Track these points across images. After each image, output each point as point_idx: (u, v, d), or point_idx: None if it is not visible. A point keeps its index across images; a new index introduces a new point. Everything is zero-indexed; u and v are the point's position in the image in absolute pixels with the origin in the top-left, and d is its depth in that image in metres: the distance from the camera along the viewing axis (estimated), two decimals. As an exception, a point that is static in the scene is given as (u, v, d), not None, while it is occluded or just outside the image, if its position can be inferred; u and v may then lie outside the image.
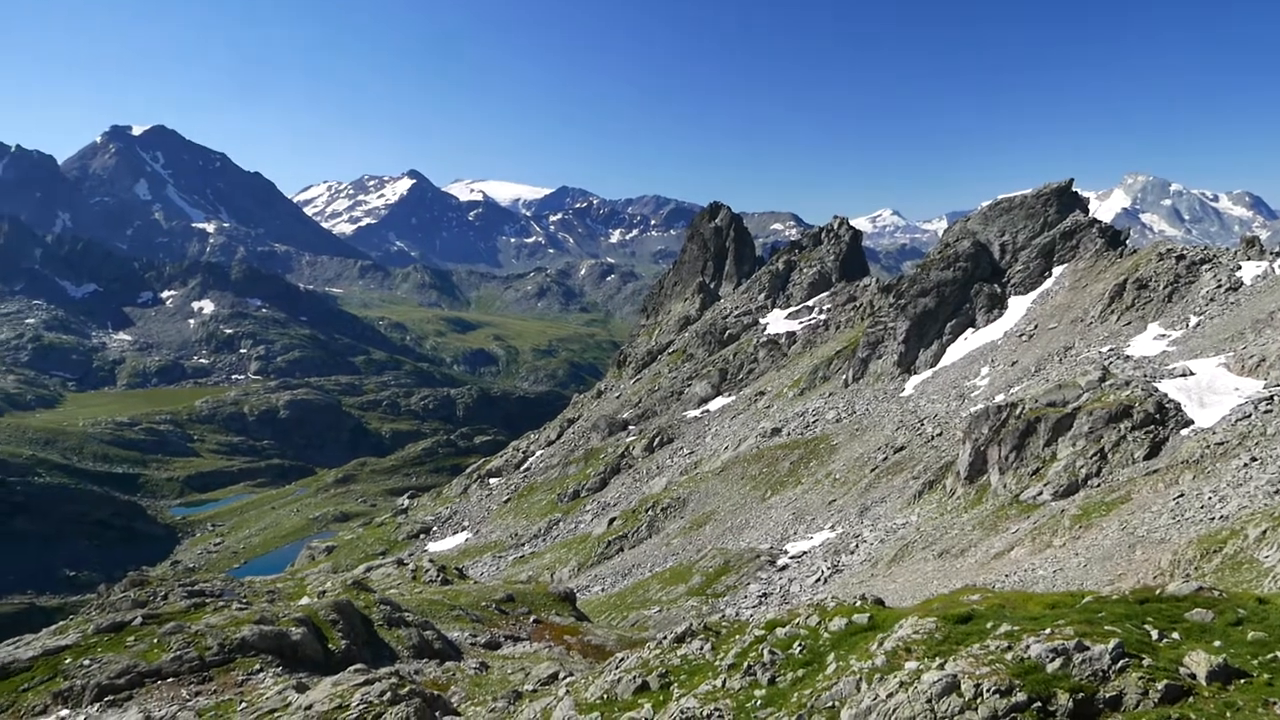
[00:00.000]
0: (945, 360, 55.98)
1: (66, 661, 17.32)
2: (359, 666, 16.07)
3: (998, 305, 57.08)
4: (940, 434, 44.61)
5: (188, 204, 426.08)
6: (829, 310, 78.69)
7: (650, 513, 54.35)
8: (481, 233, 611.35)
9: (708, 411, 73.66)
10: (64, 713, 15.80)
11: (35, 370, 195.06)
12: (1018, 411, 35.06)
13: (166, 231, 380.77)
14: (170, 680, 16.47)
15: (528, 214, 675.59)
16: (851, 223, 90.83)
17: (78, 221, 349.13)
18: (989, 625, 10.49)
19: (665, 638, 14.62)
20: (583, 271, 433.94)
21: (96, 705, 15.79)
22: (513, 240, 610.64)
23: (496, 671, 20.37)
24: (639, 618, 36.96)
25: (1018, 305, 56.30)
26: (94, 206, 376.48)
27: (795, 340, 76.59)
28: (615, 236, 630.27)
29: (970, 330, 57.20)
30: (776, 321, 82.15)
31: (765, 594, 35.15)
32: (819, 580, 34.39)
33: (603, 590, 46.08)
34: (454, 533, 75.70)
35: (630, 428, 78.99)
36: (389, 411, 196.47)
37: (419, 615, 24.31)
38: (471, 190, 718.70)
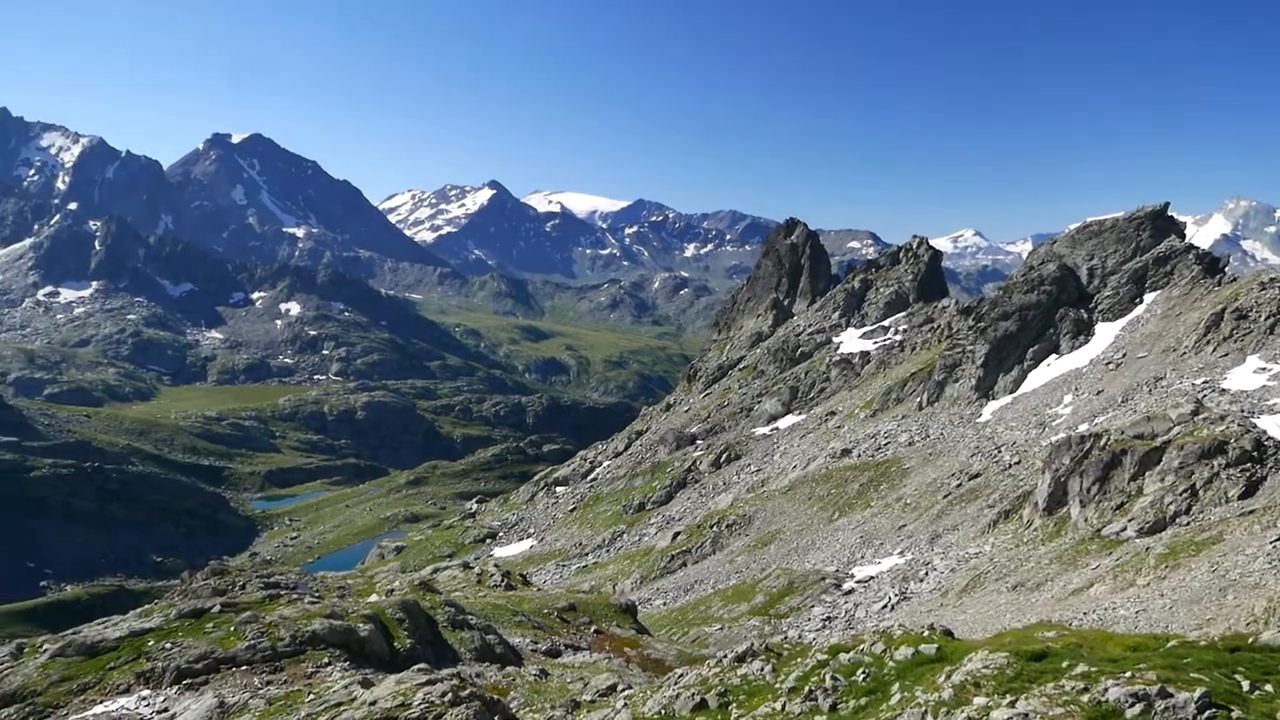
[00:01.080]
0: (1026, 386, 54.22)
1: (150, 644, 18.10)
2: (422, 666, 16.35)
3: (1084, 331, 55.04)
4: (1018, 462, 43.19)
5: (280, 209, 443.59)
6: (905, 331, 77.11)
7: (715, 529, 53.97)
8: (558, 243, 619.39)
9: (777, 429, 72.89)
10: (145, 693, 16.50)
11: (134, 364, 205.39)
12: (1102, 442, 33.69)
13: (259, 235, 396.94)
14: (244, 668, 17.04)
15: (604, 226, 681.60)
16: (931, 242, 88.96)
17: (178, 224, 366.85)
18: (1064, 664, 10.07)
19: (726, 656, 14.48)
20: (656, 284, 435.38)
21: (175, 687, 16.45)
22: (588, 252, 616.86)
23: (556, 679, 20.47)
24: (699, 634, 36.68)
25: (1105, 332, 54.19)
26: (194, 210, 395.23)
27: (869, 360, 75.27)
28: (690, 250, 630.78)
29: (1054, 356, 55.30)
30: (850, 341, 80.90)
31: (829, 618, 34.49)
32: (885, 607, 33.59)
33: (664, 604, 45.91)
34: (519, 539, 76.52)
35: (698, 442, 78.74)
36: (461, 416, 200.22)
37: (482, 619, 24.63)
38: (549, 201, 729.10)
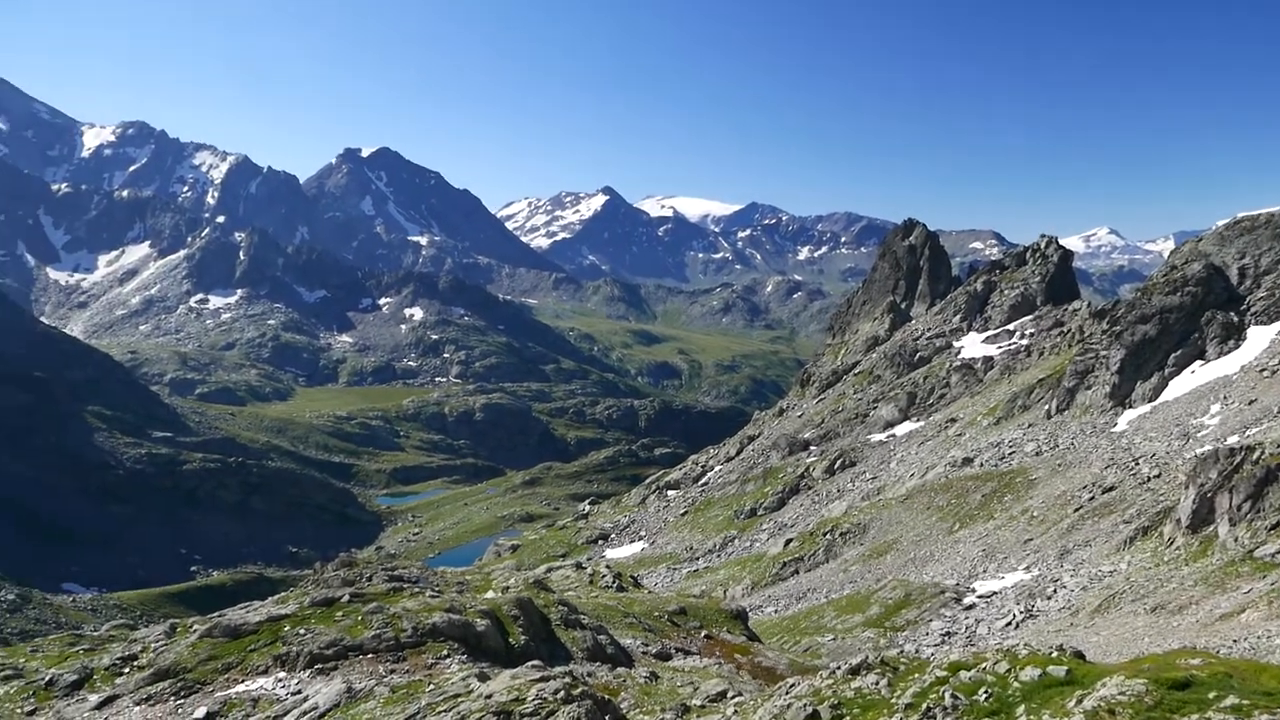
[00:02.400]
0: (1167, 394, 50.71)
1: (285, 629, 19.23)
2: (536, 663, 16.71)
3: (1234, 335, 51.02)
4: (1158, 475, 40.43)
5: (405, 219, 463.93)
6: (1032, 335, 73.52)
7: (828, 537, 52.89)
8: (670, 248, 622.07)
9: (893, 436, 70.82)
10: (281, 675, 17.55)
11: (273, 366, 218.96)
12: (1255, 456, 31.13)
13: (386, 244, 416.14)
14: (370, 656, 17.87)
15: (716, 230, 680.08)
16: (1062, 242, 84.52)
17: (313, 234, 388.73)
18: (1211, 695, 9.35)
19: (839, 668, 14.17)
20: (769, 288, 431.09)
21: (308, 671, 17.41)
22: (700, 256, 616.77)
23: (666, 683, 20.53)
24: (812, 644, 36.01)
25: (1259, 337, 50.07)
26: (327, 221, 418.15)
27: (992, 366, 72.15)
28: (803, 253, 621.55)
29: (1199, 362, 51.50)
30: (972, 345, 77.77)
31: (949, 633, 33.22)
32: (1010, 624, 32.07)
33: (775, 612, 45.32)
34: (631, 541, 77.12)
35: (811, 448, 77.39)
36: (575, 419, 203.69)
37: (594, 619, 24.97)
38: (662, 206, 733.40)
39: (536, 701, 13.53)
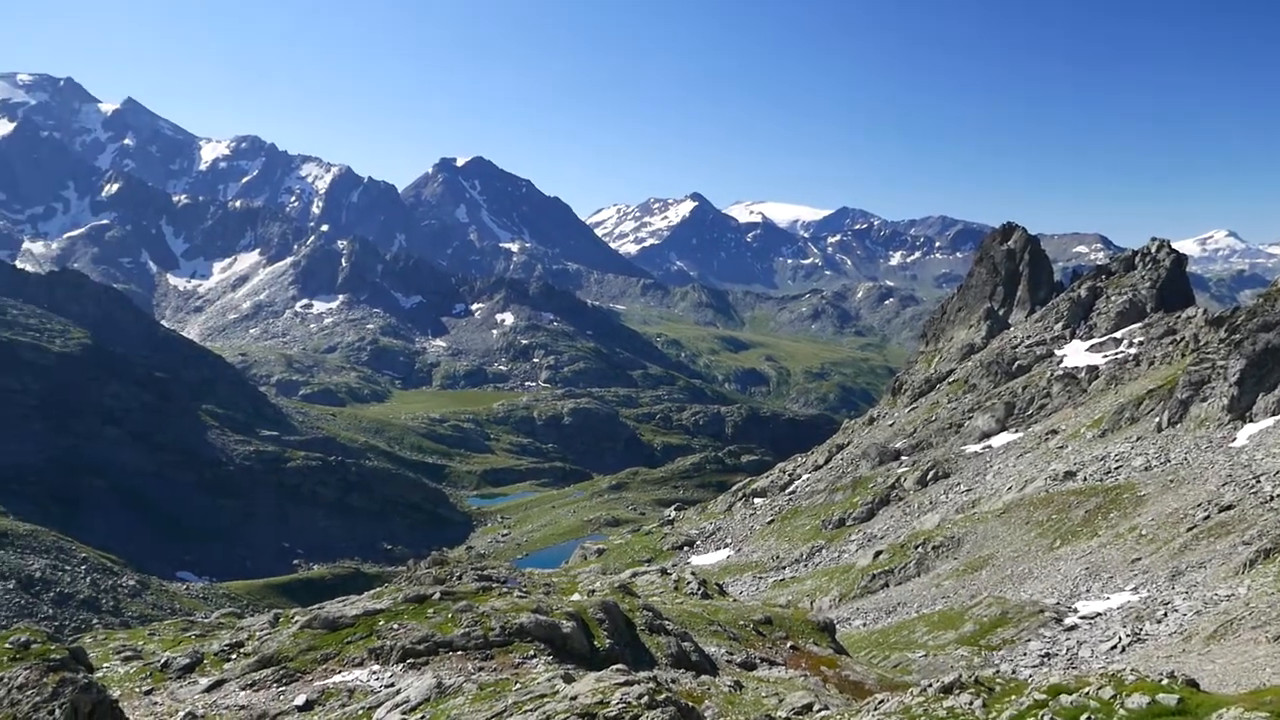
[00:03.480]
0: (1294, 408, 47.42)
1: (380, 623, 19.89)
2: (620, 667, 16.78)
3: (1371, 346, 47.36)
4: (1283, 495, 37.82)
5: (497, 226, 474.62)
6: (1141, 344, 69.89)
7: (920, 550, 51.44)
8: (758, 254, 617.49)
9: (989, 447, 68.39)
10: (375, 667, 18.15)
11: (372, 369, 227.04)
12: (1395, 476, 28.80)
13: (479, 251, 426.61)
14: (459, 653, 18.30)
15: (805, 235, 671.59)
16: (1175, 245, 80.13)
17: (410, 241, 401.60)
18: (1340, 731, 8.68)
19: (931, 685, 13.76)
20: (859, 294, 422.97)
21: (400, 665, 17.96)
22: (789, 261, 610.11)
23: (750, 693, 20.33)
24: (901, 659, 35.06)
25: (1400, 347, 46.35)
26: (423, 228, 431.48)
27: (1097, 375, 68.90)
28: (895, 259, 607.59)
29: (1330, 374, 47.99)
30: (1075, 354, 74.45)
31: (1048, 654, 31.83)
32: (1115, 647, 30.51)
33: (864, 625, 44.31)
34: (716, 548, 76.72)
35: (902, 458, 75.43)
36: (661, 425, 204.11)
37: (678, 625, 24.94)
38: (750, 212, 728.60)
39: (620, 705, 13.59)
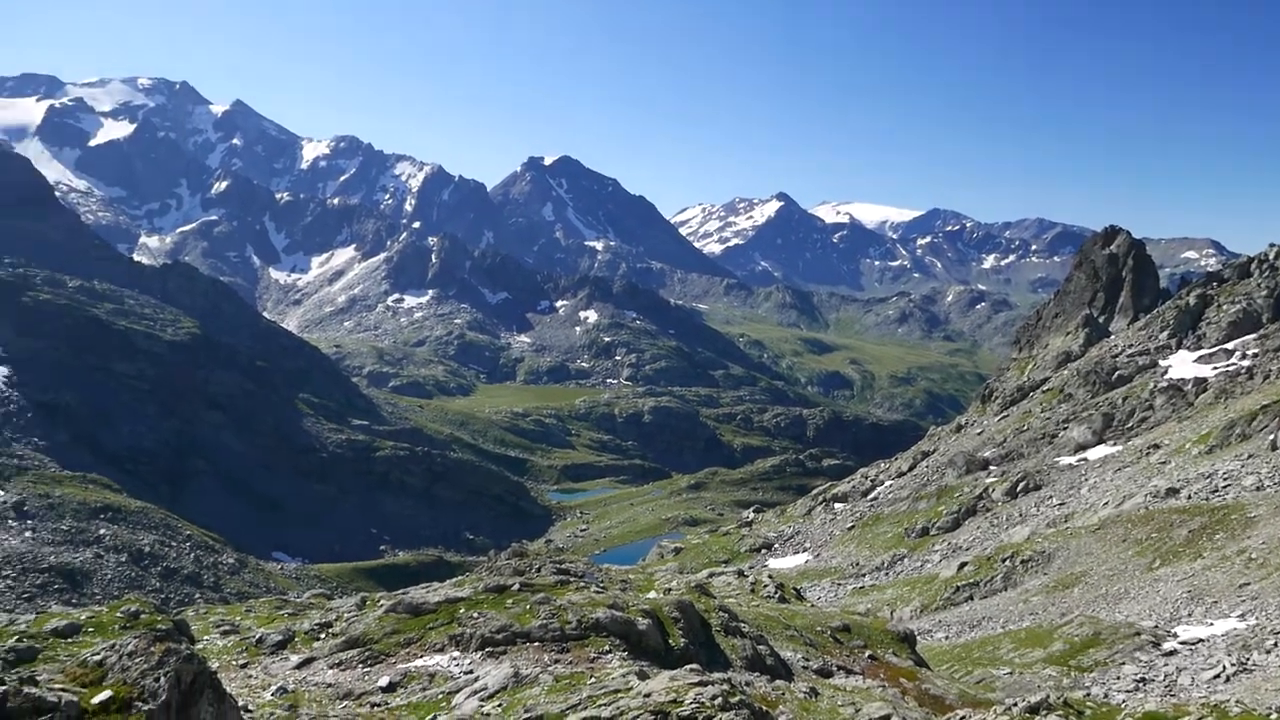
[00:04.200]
0: None
1: (461, 611, 20.38)
2: (694, 666, 16.78)
3: None
4: None
5: (582, 224, 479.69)
6: (1255, 356, 65.87)
7: (1008, 563, 49.72)
8: (845, 255, 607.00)
9: (1085, 460, 65.59)
10: (455, 654, 18.62)
11: (458, 363, 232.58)
12: None
13: (564, 249, 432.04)
14: (536, 644, 18.60)
15: (894, 237, 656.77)
16: (1296, 252, 75.22)
17: (498, 239, 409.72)
18: None
19: (1016, 704, 13.32)
20: (949, 298, 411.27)
21: (479, 653, 18.37)
22: (876, 263, 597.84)
23: (826, 700, 20.05)
24: (985, 675, 33.97)
25: None
26: (510, 226, 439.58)
27: (1205, 388, 65.26)
28: (988, 262, 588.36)
29: None
30: (1182, 365, 70.70)
31: (1143, 679, 30.34)
32: (1218, 676, 28.87)
33: (945, 638, 43.10)
34: (794, 552, 75.82)
35: (991, 468, 73.06)
36: (742, 426, 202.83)
37: (754, 628, 24.77)
38: (837, 212, 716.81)
39: (694, 705, 13.60)
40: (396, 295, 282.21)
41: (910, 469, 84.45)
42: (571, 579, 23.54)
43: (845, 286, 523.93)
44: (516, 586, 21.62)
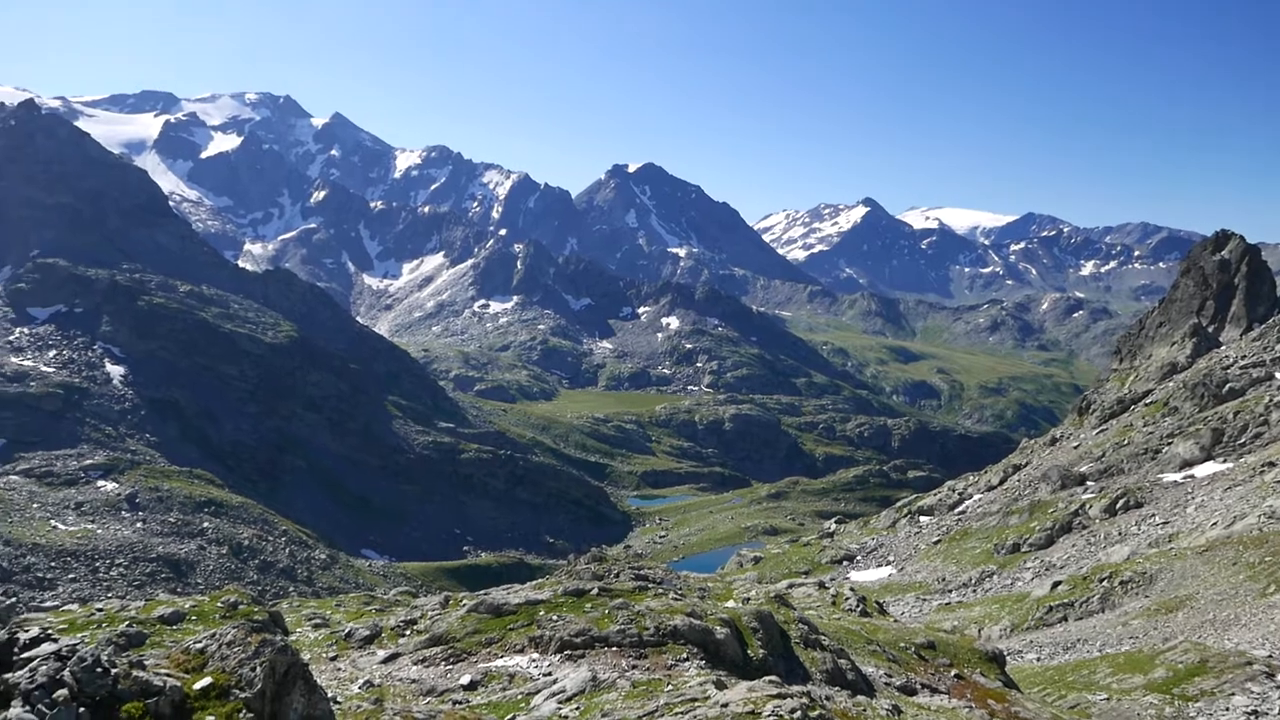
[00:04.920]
0: None
1: (540, 613, 20.65)
2: (773, 678, 16.58)
3: None
4: None
5: (665, 231, 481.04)
6: (1387, 369, 61.33)
7: (1105, 584, 47.51)
8: (933, 261, 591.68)
9: (1191, 477, 62.16)
10: (534, 655, 18.87)
11: (541, 368, 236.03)
12: None
13: (647, 255, 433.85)
14: (614, 649, 18.69)
15: (986, 242, 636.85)
16: None
17: (582, 245, 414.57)
18: None
19: (1110, 731, 12.69)
20: (1044, 306, 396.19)
21: (558, 656, 18.57)
22: (966, 270, 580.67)
23: (909, 718, 19.54)
24: (1080, 700, 32.52)
25: None
26: (594, 233, 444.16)
27: (1329, 404, 61.10)
28: (1087, 268, 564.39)
29: None
30: (1302, 378, 66.34)
31: (1256, 712, 28.53)
32: (1341, 712, 26.92)
33: (1038, 659, 41.44)
34: (877, 565, 74.17)
35: (1088, 483, 69.98)
36: (824, 435, 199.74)
37: (835, 641, 24.32)
38: (926, 218, 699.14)
39: (772, 717, 13.43)
40: (483, 301, 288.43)
41: (1001, 483, 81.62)
42: (650, 585, 23.58)
43: (933, 294, 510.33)
44: (595, 591, 21.78)
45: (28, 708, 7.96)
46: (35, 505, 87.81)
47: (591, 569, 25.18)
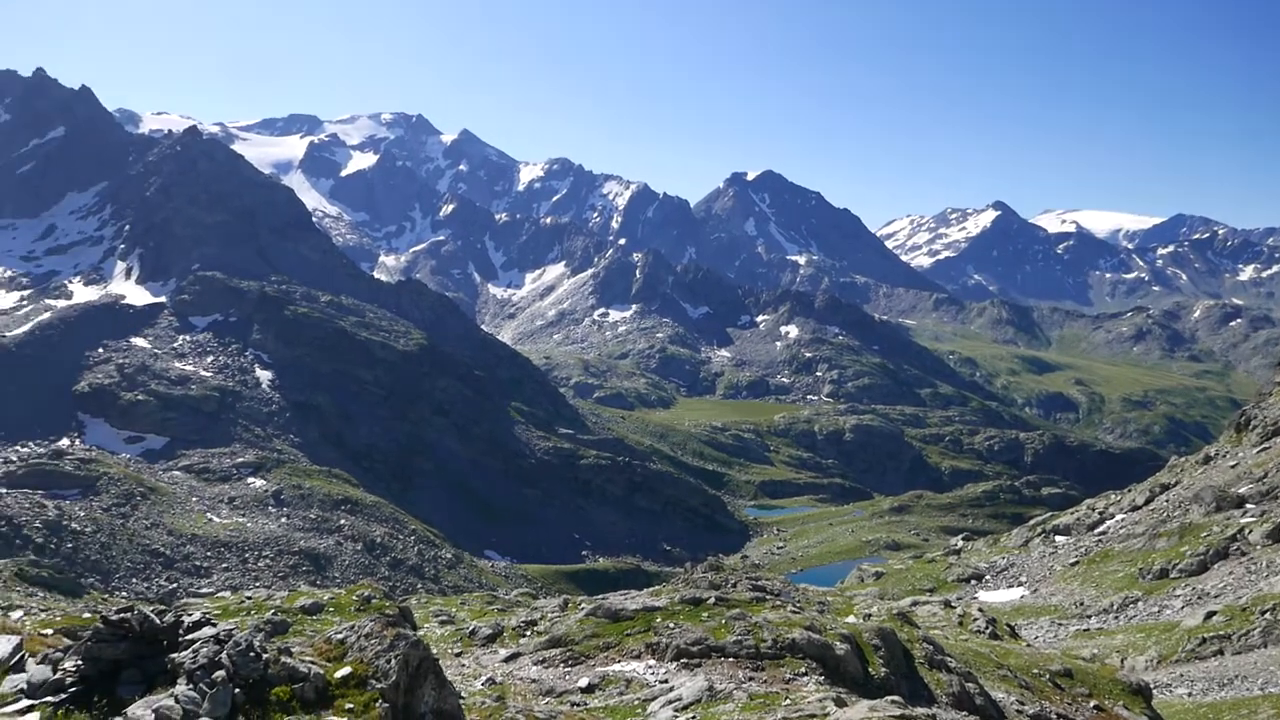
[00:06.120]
0: None
1: (657, 620, 20.79)
2: (896, 699, 16.11)
3: None
4: None
5: (784, 239, 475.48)
6: None
7: (1268, 616, 43.61)
8: (1070, 267, 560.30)
9: (1373, 503, 56.38)
10: (651, 662, 19.00)
11: (659, 376, 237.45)
12: None
13: (765, 263, 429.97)
14: (730, 659, 18.60)
15: (1129, 246, 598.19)
16: None
17: (700, 254, 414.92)
18: None
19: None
20: (1196, 313, 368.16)
21: (675, 664, 18.64)
22: (1108, 276, 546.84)
23: (1042, 749, 18.55)
24: (1239, 742, 30.01)
25: None
26: (712, 241, 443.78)
27: None
28: (1246, 273, 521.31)
29: None
30: None
31: None
32: None
33: (1188, 694, 38.47)
34: (1008, 586, 70.69)
35: (1247, 506, 64.46)
36: (950, 447, 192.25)
37: (961, 664, 23.38)
38: (1063, 221, 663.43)
39: (894, 738, 13.06)
40: (602, 310, 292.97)
41: (1147, 502, 76.26)
42: (767, 596, 23.34)
43: (1070, 301, 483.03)
44: (712, 600, 21.74)
45: (191, 686, 8.67)
46: (194, 499, 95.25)
47: (708, 578, 25.14)
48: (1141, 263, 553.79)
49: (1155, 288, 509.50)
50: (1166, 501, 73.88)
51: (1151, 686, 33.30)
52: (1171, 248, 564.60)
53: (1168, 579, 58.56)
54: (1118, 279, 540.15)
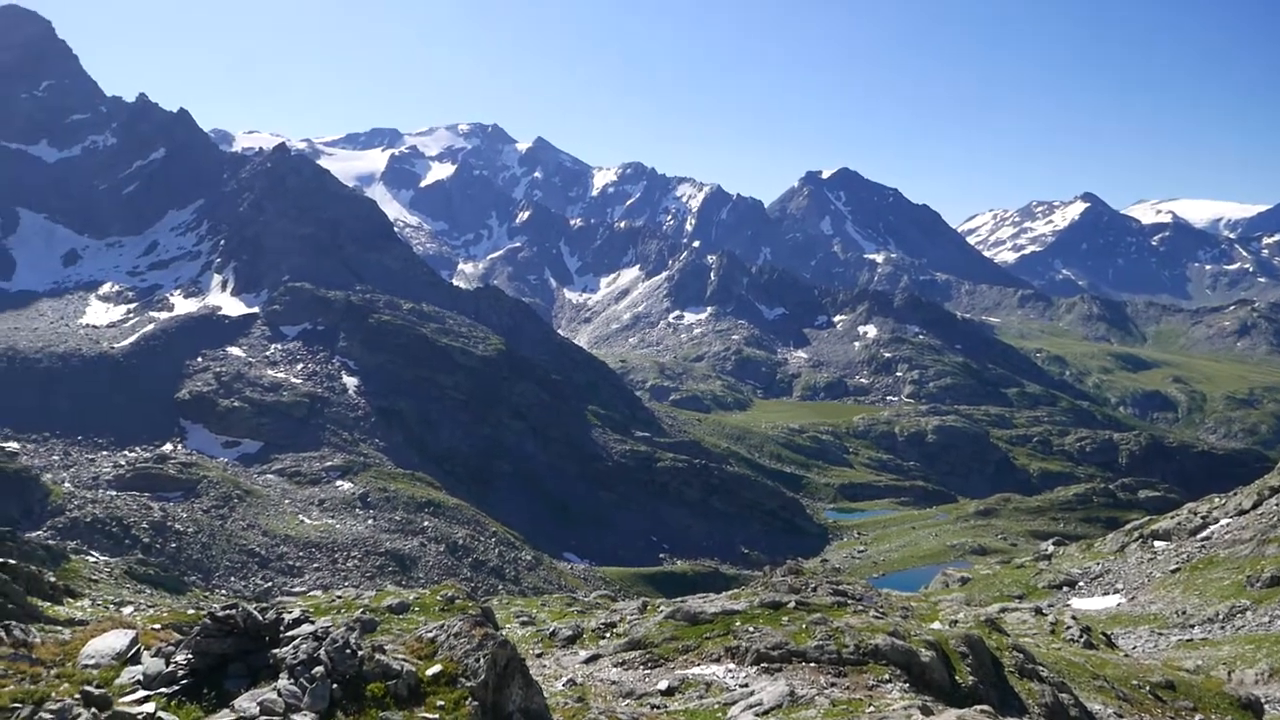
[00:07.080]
0: None
1: (736, 624, 20.74)
2: (985, 709, 15.70)
3: None
4: None
5: (861, 237, 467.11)
6: None
7: (1393, 629, 40.87)
8: (1166, 259, 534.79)
9: None
10: (730, 665, 18.97)
11: (735, 378, 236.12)
12: None
13: (842, 262, 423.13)
14: (811, 665, 18.42)
15: (1231, 236, 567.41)
16: None
17: (775, 254, 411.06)
18: None
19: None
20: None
21: (754, 668, 18.57)
22: (1208, 267, 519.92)
23: (1143, 764, 17.80)
24: (1361, 762, 28.19)
25: None
26: (787, 241, 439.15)
27: None
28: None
29: None
30: None
31: None
32: None
33: (1305, 711, 36.25)
34: (1103, 593, 67.85)
35: (1369, 511, 60.47)
36: (1039, 449, 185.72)
37: (1054, 673, 22.62)
38: (1157, 211, 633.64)
39: (983, 748, 12.75)
40: (677, 312, 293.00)
41: (1255, 506, 72.16)
42: (849, 601, 23.03)
43: (1167, 295, 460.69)
44: (792, 604, 21.57)
45: (292, 680, 9.09)
46: (287, 501, 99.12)
47: (788, 582, 24.94)
48: (1245, 253, 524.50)
49: (1261, 279, 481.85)
50: (1276, 505, 69.79)
51: (1263, 701, 31.55)
52: (1278, 236, 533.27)
53: (1278, 587, 55.34)
54: (1219, 270, 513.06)
